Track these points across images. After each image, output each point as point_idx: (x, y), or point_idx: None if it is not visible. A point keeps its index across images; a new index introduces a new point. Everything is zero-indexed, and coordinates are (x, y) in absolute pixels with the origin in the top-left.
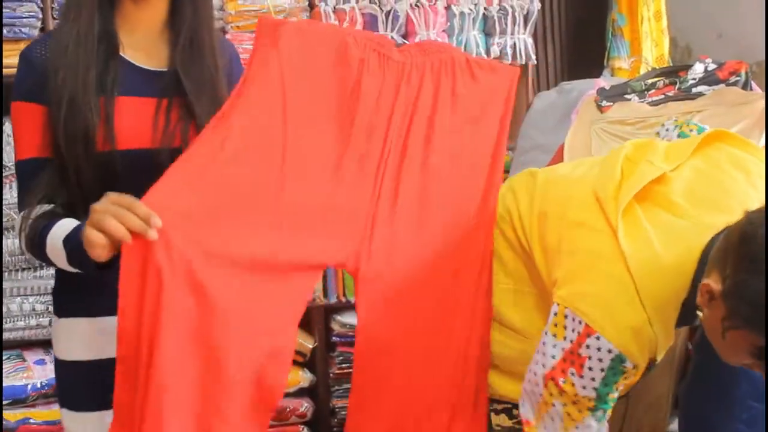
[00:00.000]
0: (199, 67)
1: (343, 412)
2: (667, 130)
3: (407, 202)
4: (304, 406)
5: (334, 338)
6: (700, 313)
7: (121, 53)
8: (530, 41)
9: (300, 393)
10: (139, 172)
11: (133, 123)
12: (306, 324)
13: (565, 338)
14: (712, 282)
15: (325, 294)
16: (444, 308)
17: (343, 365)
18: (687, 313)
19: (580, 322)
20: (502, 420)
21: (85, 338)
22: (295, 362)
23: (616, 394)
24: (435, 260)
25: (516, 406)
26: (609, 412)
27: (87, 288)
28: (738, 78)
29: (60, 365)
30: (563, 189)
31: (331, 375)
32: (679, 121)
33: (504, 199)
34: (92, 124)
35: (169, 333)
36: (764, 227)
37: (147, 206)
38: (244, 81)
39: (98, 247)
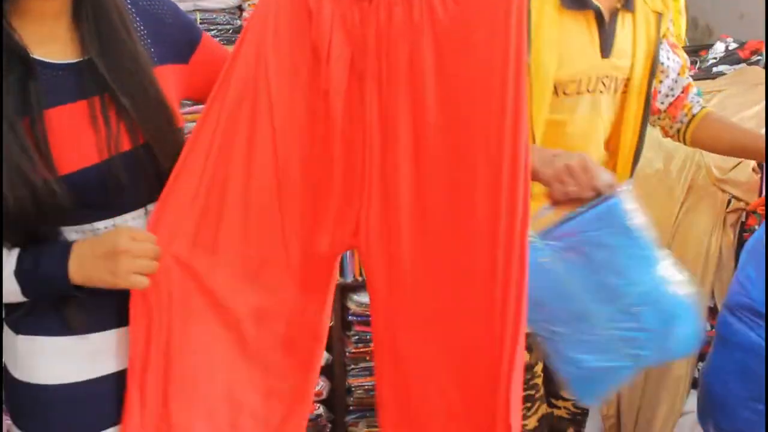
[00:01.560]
0: (107, 26)
1: (360, 391)
2: None
3: (402, 175)
4: (321, 385)
5: (350, 317)
6: None
7: (33, 56)
8: None
9: None
10: (93, 197)
11: (71, 138)
12: None
13: None
14: None
15: (342, 273)
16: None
17: (360, 344)
18: None
19: None
20: None
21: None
22: None
23: None
24: (445, 236)
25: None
26: None
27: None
28: (759, 57)
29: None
30: None
31: (347, 354)
32: None
33: None
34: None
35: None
36: None
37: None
38: (233, 60)
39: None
